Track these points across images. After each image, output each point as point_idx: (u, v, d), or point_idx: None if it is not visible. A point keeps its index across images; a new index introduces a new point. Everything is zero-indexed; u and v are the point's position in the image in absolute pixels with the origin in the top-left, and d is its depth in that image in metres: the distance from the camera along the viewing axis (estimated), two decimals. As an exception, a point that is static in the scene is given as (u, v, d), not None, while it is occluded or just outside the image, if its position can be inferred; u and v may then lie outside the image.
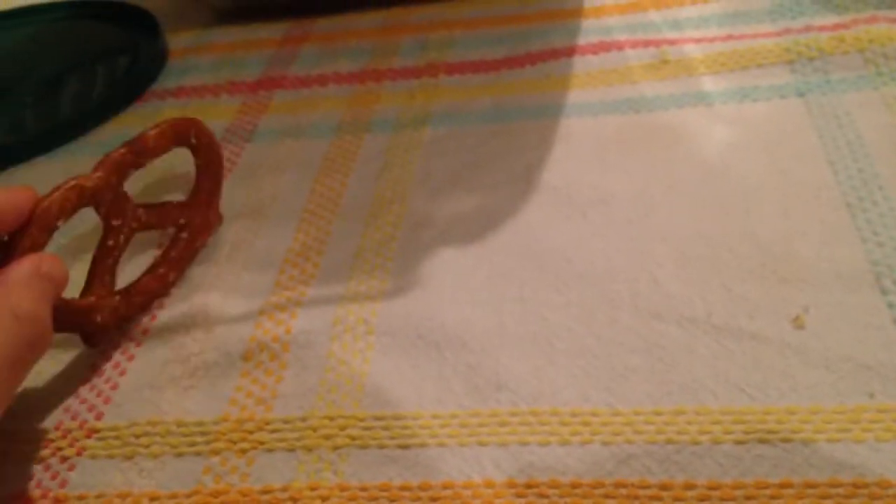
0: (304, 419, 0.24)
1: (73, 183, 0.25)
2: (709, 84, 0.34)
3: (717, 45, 0.36)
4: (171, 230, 0.31)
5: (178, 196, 0.31)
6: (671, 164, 0.31)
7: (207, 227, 0.31)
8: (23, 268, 0.23)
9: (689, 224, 0.28)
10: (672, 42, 0.37)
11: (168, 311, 0.29)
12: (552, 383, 0.24)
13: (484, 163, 0.33)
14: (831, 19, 0.36)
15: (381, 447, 0.23)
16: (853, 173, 0.29)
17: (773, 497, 0.20)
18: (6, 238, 0.24)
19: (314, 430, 0.24)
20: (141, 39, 0.44)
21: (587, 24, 0.39)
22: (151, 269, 0.29)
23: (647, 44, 0.37)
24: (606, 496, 0.21)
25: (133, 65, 0.42)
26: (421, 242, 0.30)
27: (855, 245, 0.26)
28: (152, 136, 0.28)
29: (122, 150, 0.27)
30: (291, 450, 0.23)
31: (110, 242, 0.27)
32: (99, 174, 0.26)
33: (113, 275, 0.28)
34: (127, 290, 0.28)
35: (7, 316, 0.21)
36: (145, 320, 0.29)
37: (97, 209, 0.27)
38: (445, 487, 0.22)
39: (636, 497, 0.21)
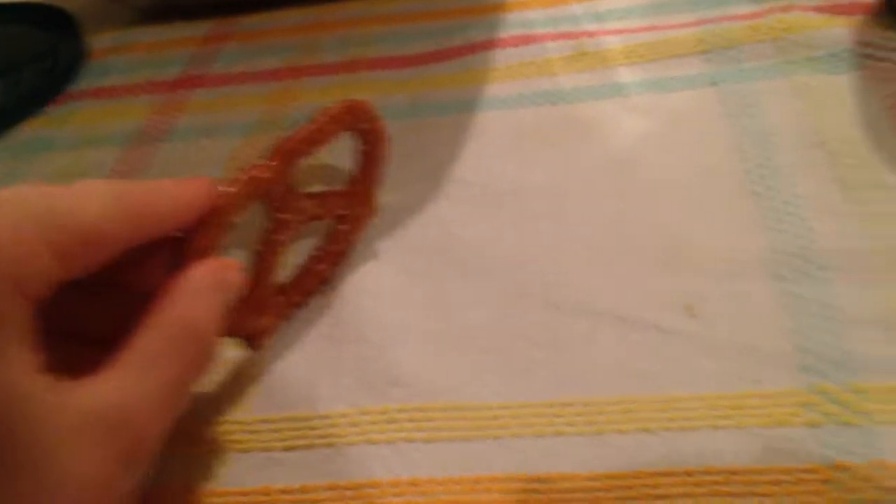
0: (188, 425, 0.23)
1: (248, 175, 0.22)
2: (625, 75, 0.34)
3: (636, 37, 0.36)
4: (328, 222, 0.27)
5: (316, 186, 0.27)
6: (586, 155, 0.31)
7: (365, 219, 0.28)
8: (200, 277, 0.20)
9: (599, 215, 0.28)
10: (592, 34, 0.37)
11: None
12: (447, 378, 0.23)
13: (397, 160, 0.32)
14: (748, 8, 0.36)
15: (266, 450, 0.22)
16: (761, 161, 0.29)
17: (653, 486, 0.20)
18: (179, 235, 0.21)
19: (197, 436, 0.23)
20: (60, 41, 0.43)
21: (509, 17, 0.39)
22: (311, 265, 0.27)
23: (567, 36, 0.37)
24: (486, 490, 0.20)
25: (52, 67, 0.41)
26: (329, 240, 0.29)
27: (757, 233, 0.26)
28: (324, 120, 0.24)
29: (295, 138, 0.24)
30: (172, 456, 0.23)
31: (278, 238, 0.24)
32: (274, 164, 0.23)
33: (276, 273, 0.25)
34: (286, 289, 0.26)
35: (182, 334, 0.19)
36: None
37: (267, 202, 0.24)
38: (329, 489, 0.21)
39: (510, 491, 0.20)
